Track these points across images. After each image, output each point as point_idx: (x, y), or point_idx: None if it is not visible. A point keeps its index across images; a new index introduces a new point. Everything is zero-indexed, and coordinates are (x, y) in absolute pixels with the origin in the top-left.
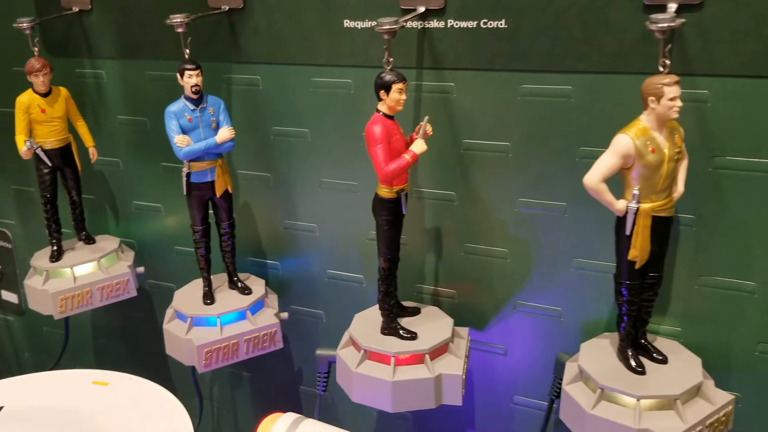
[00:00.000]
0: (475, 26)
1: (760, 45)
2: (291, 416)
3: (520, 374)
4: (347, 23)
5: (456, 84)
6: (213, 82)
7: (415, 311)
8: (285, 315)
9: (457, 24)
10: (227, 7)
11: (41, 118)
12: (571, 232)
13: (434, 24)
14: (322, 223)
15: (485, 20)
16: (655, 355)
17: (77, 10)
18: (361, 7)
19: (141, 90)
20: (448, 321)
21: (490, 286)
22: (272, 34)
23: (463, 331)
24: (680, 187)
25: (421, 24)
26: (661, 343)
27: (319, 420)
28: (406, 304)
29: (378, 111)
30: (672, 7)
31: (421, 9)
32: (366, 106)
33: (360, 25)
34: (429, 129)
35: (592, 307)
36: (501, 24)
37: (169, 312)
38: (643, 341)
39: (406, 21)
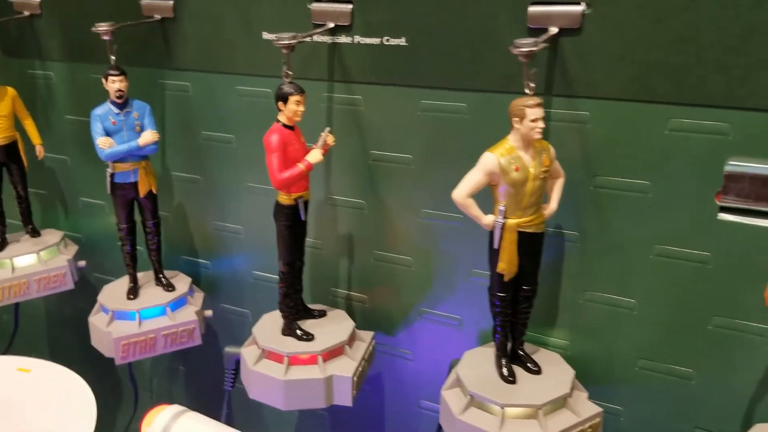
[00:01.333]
0: (378, 43)
1: (634, 70)
2: (174, 408)
3: (425, 378)
4: (265, 35)
5: (363, 97)
6: (146, 87)
7: (322, 314)
8: (209, 312)
9: (362, 40)
10: (159, 16)
11: None
12: (469, 243)
13: (343, 39)
14: (248, 225)
15: (387, 38)
16: (529, 365)
17: (28, 14)
18: (276, 20)
19: (87, 91)
20: (349, 324)
21: (398, 292)
22: (200, 43)
23: (367, 335)
24: (552, 205)
25: (331, 39)
26: (542, 355)
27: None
28: (313, 307)
29: (278, 121)
30: (553, 30)
31: (331, 24)
32: None
33: (282, 40)
34: (330, 140)
35: (488, 316)
36: (401, 42)
37: (96, 306)
38: (520, 351)
39: (305, 36)
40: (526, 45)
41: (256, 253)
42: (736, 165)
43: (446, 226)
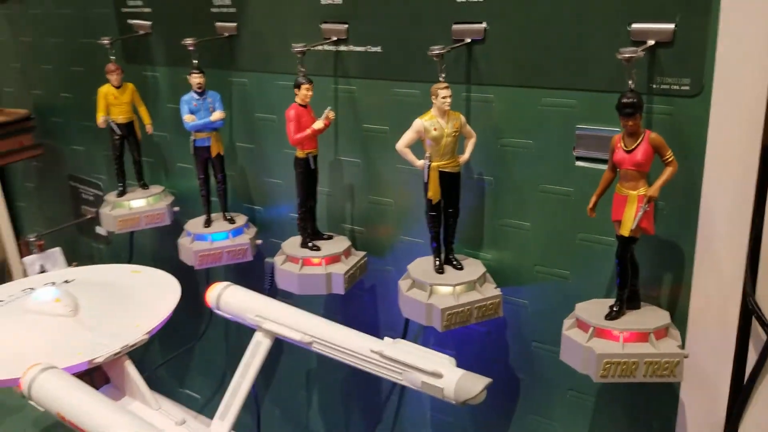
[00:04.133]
0: (364, 50)
1: (518, 67)
2: (225, 283)
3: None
4: (294, 47)
5: (357, 87)
6: (217, 82)
7: (330, 237)
8: (260, 241)
9: (354, 48)
10: (227, 34)
11: (114, 103)
12: None
13: (342, 48)
14: (285, 180)
15: (369, 47)
16: (455, 263)
17: (143, 32)
18: (300, 36)
19: (180, 86)
20: (346, 242)
21: (385, 225)
22: (253, 52)
23: (361, 254)
24: (465, 155)
25: (335, 48)
26: (468, 261)
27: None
28: (325, 234)
29: (295, 102)
30: (467, 40)
31: (334, 38)
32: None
33: (297, 48)
34: (331, 115)
35: None
36: (378, 49)
37: (183, 232)
38: (450, 257)
39: (315, 45)
40: (437, 49)
41: (292, 199)
42: (582, 128)
43: (412, 174)
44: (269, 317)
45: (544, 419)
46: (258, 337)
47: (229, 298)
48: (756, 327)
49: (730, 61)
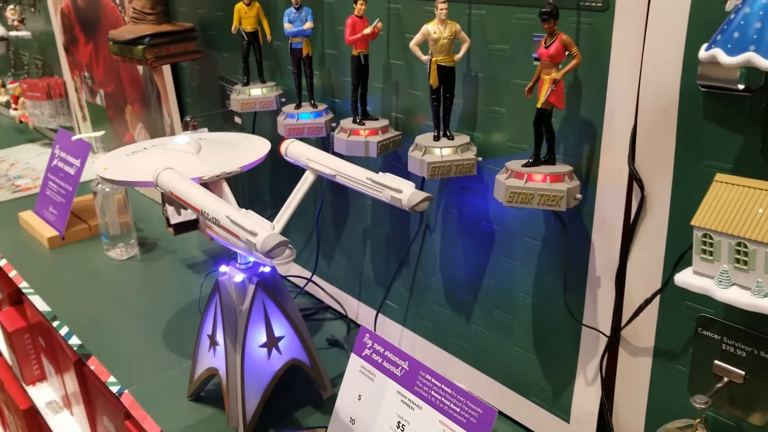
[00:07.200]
0: None
1: None
2: (292, 139)
3: None
4: None
5: (401, 6)
6: (310, 1)
7: (374, 119)
8: (334, 124)
9: None
10: None
11: (244, 16)
12: None
13: None
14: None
15: None
16: (448, 136)
17: None
18: None
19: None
20: (385, 122)
21: (417, 113)
22: None
23: (396, 132)
24: (459, 55)
25: None
26: (460, 136)
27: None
28: (373, 116)
29: (353, 14)
30: None
31: None
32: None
33: None
34: (379, 25)
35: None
36: None
37: (280, 113)
38: (447, 132)
39: None
40: None
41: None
42: (537, 36)
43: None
44: (313, 159)
45: (509, 259)
46: (307, 173)
47: (292, 148)
48: (635, 185)
49: None
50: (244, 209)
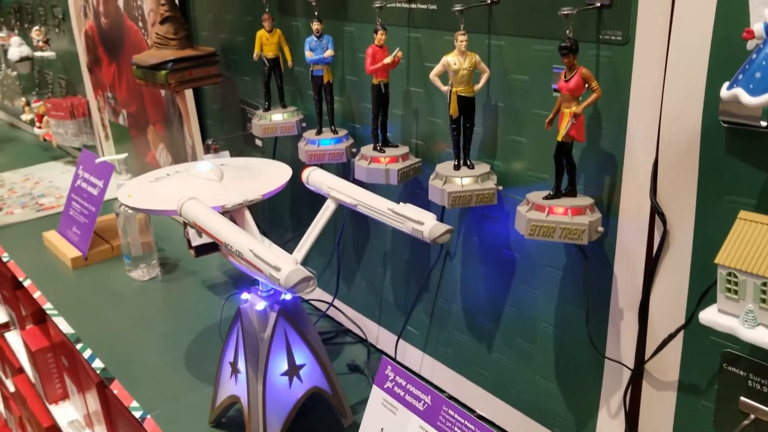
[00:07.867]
0: (426, 8)
1: (519, 21)
2: (313, 167)
3: None
4: (374, 4)
5: (422, 36)
6: (333, 29)
7: (395, 146)
8: (354, 149)
9: (419, 6)
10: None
11: (265, 42)
12: None
13: (411, 6)
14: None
15: (429, 5)
16: (469, 165)
17: None
18: None
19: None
20: (406, 149)
21: (436, 140)
22: (359, 7)
23: (417, 159)
24: (479, 85)
25: (407, 5)
26: (480, 165)
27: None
28: (393, 143)
29: (374, 43)
30: (488, 0)
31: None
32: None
33: (376, 4)
34: (400, 54)
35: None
36: (433, 6)
37: (301, 139)
38: (467, 160)
39: (389, 3)
40: (459, 5)
41: None
42: (557, 68)
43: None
44: (334, 188)
45: (530, 288)
46: (328, 202)
47: (313, 177)
48: (657, 219)
49: (646, 19)
50: (267, 240)
